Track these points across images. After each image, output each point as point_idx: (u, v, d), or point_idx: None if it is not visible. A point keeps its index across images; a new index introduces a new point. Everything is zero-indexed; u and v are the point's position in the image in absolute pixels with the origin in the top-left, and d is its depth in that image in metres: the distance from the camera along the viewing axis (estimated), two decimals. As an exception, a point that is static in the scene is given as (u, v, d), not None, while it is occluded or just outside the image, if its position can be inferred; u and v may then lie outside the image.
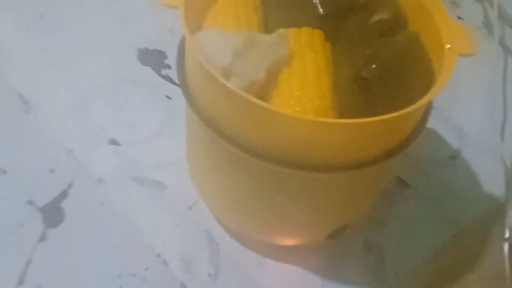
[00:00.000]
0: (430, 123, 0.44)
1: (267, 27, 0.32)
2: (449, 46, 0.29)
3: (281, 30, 0.30)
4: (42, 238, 0.35)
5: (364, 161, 0.27)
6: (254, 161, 0.27)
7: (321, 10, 0.30)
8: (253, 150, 0.27)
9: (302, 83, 0.27)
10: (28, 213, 0.36)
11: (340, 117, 0.28)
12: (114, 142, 0.40)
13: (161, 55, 0.46)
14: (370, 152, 0.28)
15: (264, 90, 0.28)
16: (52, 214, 0.36)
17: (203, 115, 0.28)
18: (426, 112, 0.30)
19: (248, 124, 0.26)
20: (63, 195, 0.37)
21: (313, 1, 0.31)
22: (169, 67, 0.45)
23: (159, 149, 0.40)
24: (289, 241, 0.35)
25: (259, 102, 0.25)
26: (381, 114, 0.26)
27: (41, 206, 0.37)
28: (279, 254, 0.36)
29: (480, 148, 0.44)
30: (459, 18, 0.54)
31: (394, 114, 0.25)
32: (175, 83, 0.44)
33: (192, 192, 0.36)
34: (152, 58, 0.46)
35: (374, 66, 0.27)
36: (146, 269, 0.35)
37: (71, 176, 0.38)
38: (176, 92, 0.38)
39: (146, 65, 0.45)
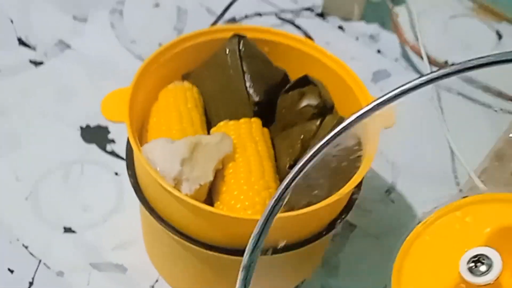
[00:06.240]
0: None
1: (208, 117, 0.34)
2: None
3: (221, 124, 0.32)
4: None
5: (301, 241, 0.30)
6: (214, 255, 0.29)
7: (255, 98, 0.33)
8: (209, 244, 0.29)
9: (247, 176, 0.30)
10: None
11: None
12: (69, 230, 0.41)
13: (104, 130, 0.47)
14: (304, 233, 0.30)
15: (214, 185, 0.30)
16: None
17: (158, 215, 0.30)
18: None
19: (200, 222, 0.29)
20: (25, 295, 0.38)
21: (247, 90, 0.33)
22: (114, 141, 0.46)
23: (115, 229, 0.41)
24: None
25: (206, 207, 0.27)
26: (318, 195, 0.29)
27: (3, 310, 0.37)
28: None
29: (411, 179, 0.48)
30: (379, 51, 0.58)
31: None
32: (121, 158, 0.45)
33: (152, 270, 0.38)
34: (96, 135, 0.46)
35: (309, 153, 0.30)
36: None
37: (31, 274, 0.38)
38: (123, 166, 0.39)
39: (90, 143, 0.46)
